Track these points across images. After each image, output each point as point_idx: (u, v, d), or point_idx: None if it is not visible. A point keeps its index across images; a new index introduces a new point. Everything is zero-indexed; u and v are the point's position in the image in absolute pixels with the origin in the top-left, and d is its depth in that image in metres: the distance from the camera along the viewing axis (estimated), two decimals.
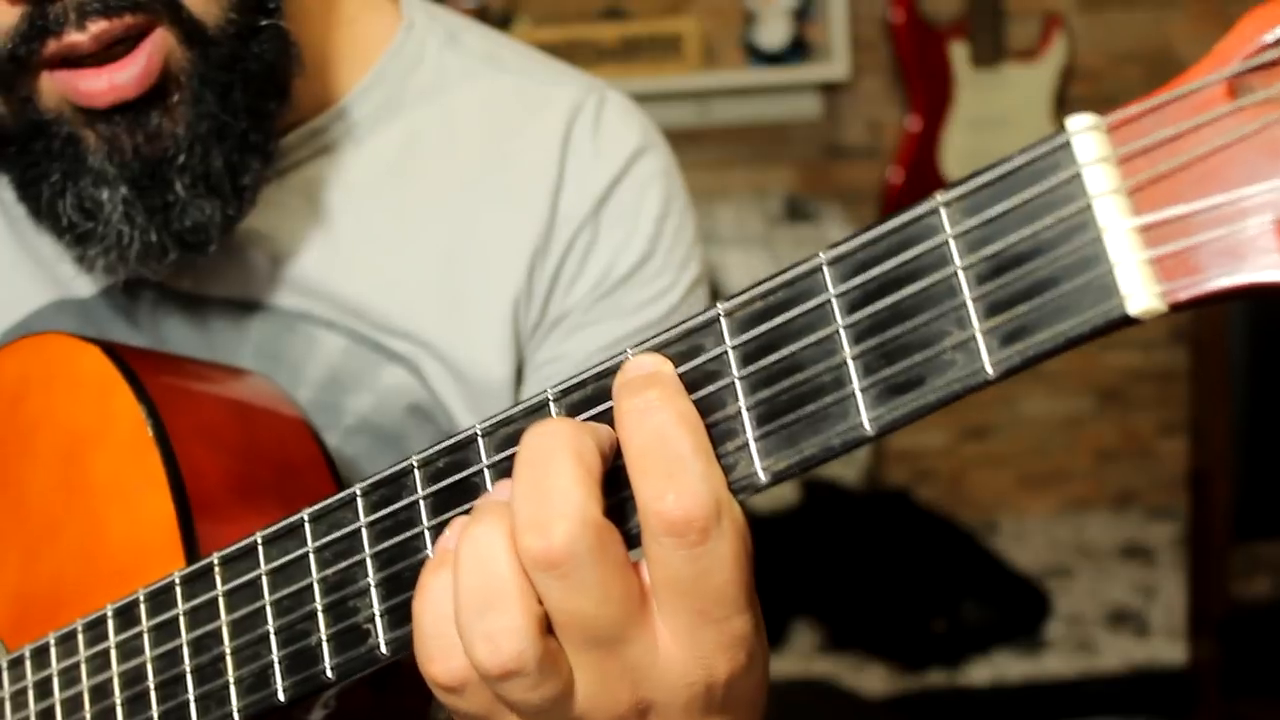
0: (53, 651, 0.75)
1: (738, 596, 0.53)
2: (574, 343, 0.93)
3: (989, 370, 0.46)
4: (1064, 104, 3.34)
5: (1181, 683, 2.56)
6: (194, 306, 0.90)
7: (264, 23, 0.80)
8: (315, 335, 0.90)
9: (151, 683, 0.69)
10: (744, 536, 0.52)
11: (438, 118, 0.93)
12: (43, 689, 0.75)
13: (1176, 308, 0.42)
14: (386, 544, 0.60)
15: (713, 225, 3.21)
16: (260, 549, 0.65)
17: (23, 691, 0.76)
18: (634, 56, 3.24)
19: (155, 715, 0.69)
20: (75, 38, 0.73)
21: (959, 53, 3.27)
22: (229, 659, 0.66)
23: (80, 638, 0.73)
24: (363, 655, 0.61)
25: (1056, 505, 3.59)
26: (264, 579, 0.65)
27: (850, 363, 0.49)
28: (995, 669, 2.95)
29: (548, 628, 0.53)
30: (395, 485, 0.61)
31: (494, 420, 0.58)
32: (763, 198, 3.35)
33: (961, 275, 0.46)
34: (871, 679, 2.93)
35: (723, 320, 0.52)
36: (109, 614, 0.71)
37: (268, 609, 0.64)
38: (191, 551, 0.73)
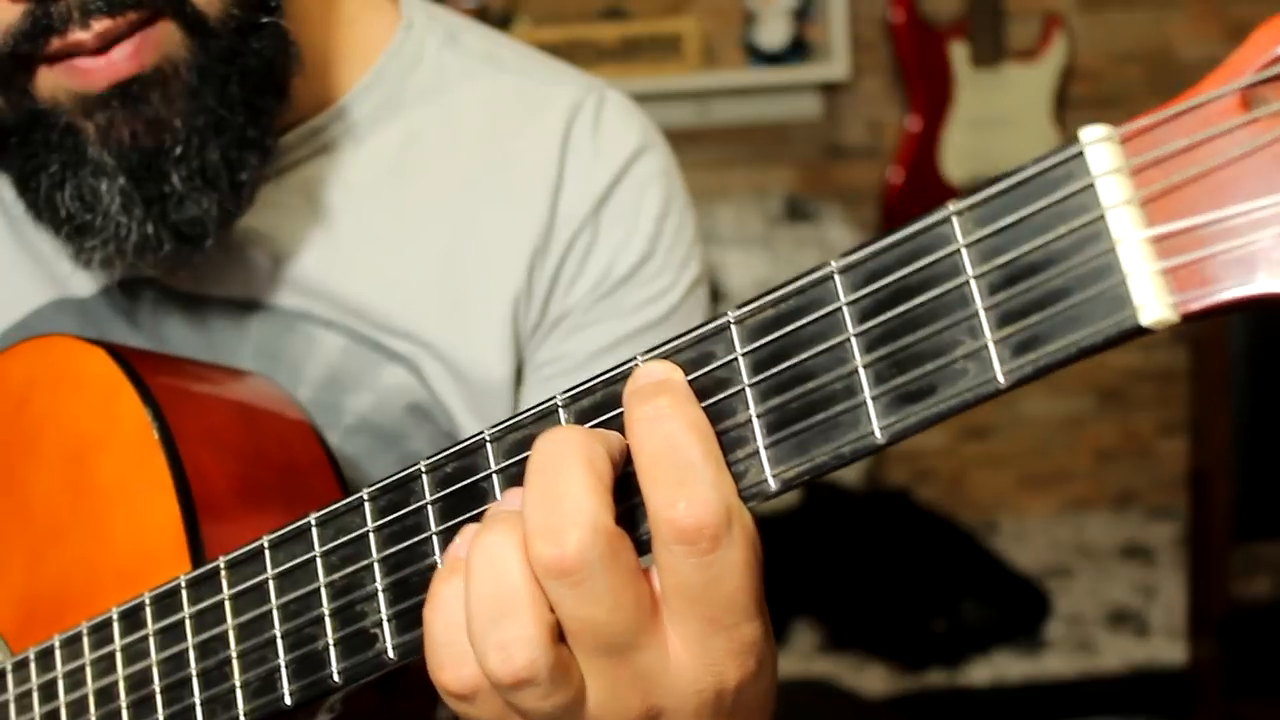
0: (58, 654, 0.75)
1: (748, 604, 0.53)
2: (574, 343, 0.93)
3: (1000, 380, 0.46)
4: (1064, 104, 3.34)
5: (1181, 683, 2.56)
6: (194, 306, 0.90)
7: (265, 20, 0.80)
8: (315, 335, 0.90)
9: (157, 686, 0.69)
10: (754, 544, 0.53)
11: (437, 117, 0.93)
12: (48, 692, 0.75)
13: (1189, 318, 0.42)
14: (394, 549, 0.61)
15: (713, 225, 3.20)
16: (267, 553, 0.65)
17: (27, 694, 0.76)
18: (634, 56, 3.24)
19: (161, 718, 0.69)
20: (79, 36, 0.73)
21: (959, 53, 3.27)
22: (235, 663, 0.66)
23: (86, 640, 0.73)
24: (370, 660, 0.61)
25: (1056, 505, 3.59)
26: (271, 583, 0.65)
27: (861, 371, 0.49)
28: (995, 669, 2.95)
29: (559, 636, 0.53)
30: (403, 490, 0.61)
31: (503, 426, 0.58)
32: (763, 198, 3.35)
33: (974, 284, 0.46)
34: (871, 679, 2.93)
35: (733, 328, 0.52)
36: (115, 617, 0.71)
37: (274, 613, 0.64)
38: (197, 554, 0.73)
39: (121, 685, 0.71)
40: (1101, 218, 0.43)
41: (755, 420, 0.52)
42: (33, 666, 0.76)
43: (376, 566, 0.61)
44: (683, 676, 0.54)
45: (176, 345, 0.89)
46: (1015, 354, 0.46)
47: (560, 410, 0.56)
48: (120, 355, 0.79)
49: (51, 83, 0.75)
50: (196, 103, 0.77)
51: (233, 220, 0.82)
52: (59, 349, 0.82)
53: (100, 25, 0.73)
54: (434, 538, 0.59)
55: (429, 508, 0.60)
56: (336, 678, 0.62)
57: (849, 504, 3.20)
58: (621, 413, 0.54)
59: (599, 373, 0.56)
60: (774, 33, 3.27)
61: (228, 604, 0.66)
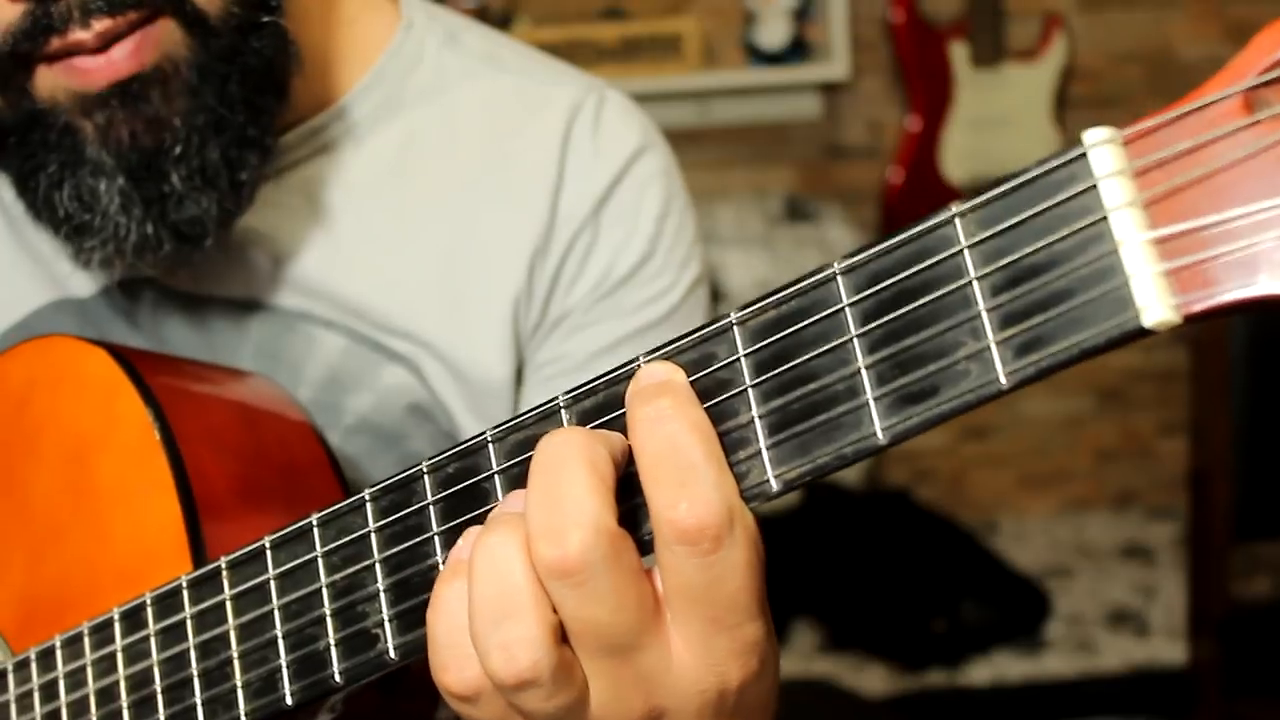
0: (59, 654, 0.75)
1: (750, 604, 0.53)
2: (574, 343, 0.93)
3: (1003, 381, 0.46)
4: (1064, 104, 3.34)
5: (1181, 683, 2.56)
6: (194, 306, 0.90)
7: (265, 19, 0.80)
8: (315, 335, 0.90)
9: (158, 686, 0.69)
10: (756, 544, 0.53)
11: (437, 117, 0.93)
12: (49, 692, 0.75)
13: (1191, 320, 0.42)
14: (396, 549, 0.61)
15: (713, 225, 3.20)
16: (268, 553, 0.65)
17: (28, 694, 0.76)
18: (634, 56, 3.24)
19: (162, 718, 0.69)
20: (79, 36, 0.73)
21: (959, 53, 3.27)
22: (236, 663, 0.66)
23: (87, 640, 0.73)
24: (371, 660, 0.61)
25: (1056, 505, 3.59)
26: (272, 583, 0.65)
27: (864, 372, 0.49)
28: (995, 669, 2.95)
29: (562, 637, 0.53)
30: (405, 490, 0.61)
31: (504, 426, 0.58)
32: (763, 198, 3.35)
33: (976, 286, 0.46)
34: (871, 679, 2.93)
35: (735, 329, 0.53)
36: (116, 617, 0.71)
37: (276, 613, 0.64)
38: (198, 554, 0.73)
39: (123, 685, 0.71)
40: (1104, 219, 0.44)
41: (757, 421, 0.52)
42: (34, 666, 0.76)
43: (378, 567, 0.61)
44: (685, 677, 0.54)
45: (176, 345, 0.89)
46: (1017, 355, 0.46)
47: (562, 411, 0.57)
48: (121, 355, 0.79)
49: (50, 82, 0.75)
50: (196, 101, 0.77)
51: (232, 220, 0.82)
52: (59, 349, 0.82)
53: (100, 25, 0.73)
54: (436, 538, 0.59)
55: (431, 508, 0.60)
56: (338, 678, 0.62)
57: (849, 504, 3.20)
58: (624, 413, 0.54)
59: (601, 373, 0.56)
60: (774, 33, 3.27)
61: (229, 604, 0.66)
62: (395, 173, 0.92)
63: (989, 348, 0.46)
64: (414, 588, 0.60)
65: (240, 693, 0.66)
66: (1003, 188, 0.46)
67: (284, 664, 0.64)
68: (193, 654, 0.68)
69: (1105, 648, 2.98)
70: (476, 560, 0.53)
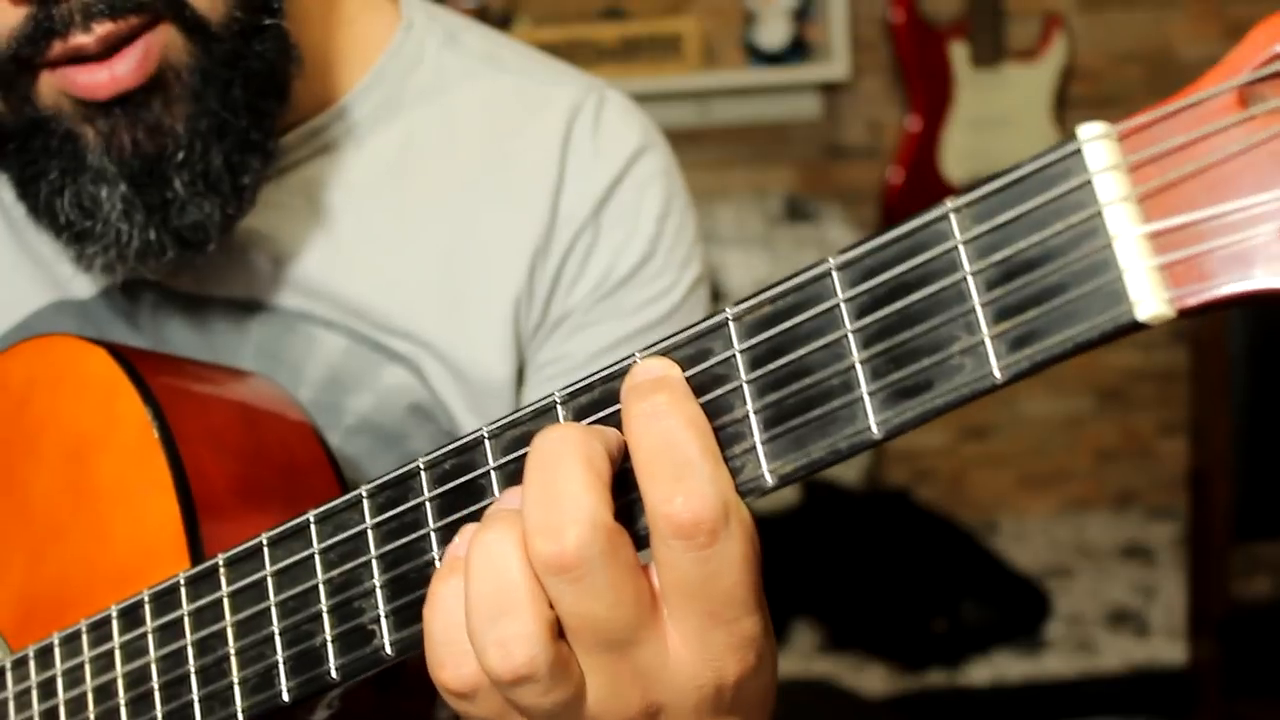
0: (57, 652, 0.75)
1: (747, 598, 0.53)
2: (575, 343, 0.93)
3: (997, 375, 0.46)
4: (1064, 104, 3.34)
5: (1181, 683, 2.56)
6: (194, 307, 0.90)
7: (267, 22, 0.80)
8: (316, 335, 0.90)
9: (156, 683, 0.69)
10: (752, 538, 0.53)
11: (437, 118, 0.94)
12: (46, 689, 0.75)
13: (1185, 314, 0.42)
14: (392, 545, 0.61)
15: (713, 225, 3.21)
16: (266, 550, 0.65)
17: (26, 692, 0.76)
18: (634, 56, 3.24)
19: (159, 716, 0.69)
20: (81, 40, 0.73)
21: (959, 53, 3.27)
22: (233, 660, 0.66)
23: (85, 638, 0.73)
24: (368, 656, 0.61)
25: (1056, 505, 3.59)
26: (269, 580, 0.65)
27: (858, 367, 0.49)
28: (995, 669, 2.95)
29: (559, 632, 0.53)
30: (402, 487, 0.61)
31: (501, 423, 0.58)
32: (763, 198, 3.35)
33: (971, 281, 0.46)
34: (871, 679, 2.93)
35: (731, 324, 0.53)
36: (114, 615, 0.72)
37: (273, 610, 0.64)
38: (196, 553, 0.73)
39: (120, 682, 0.71)
40: (1098, 214, 0.44)
41: (752, 416, 0.52)
42: (32, 664, 0.76)
43: (374, 563, 0.61)
44: (682, 672, 0.54)
45: (177, 346, 0.90)
46: (1011, 349, 0.46)
47: (558, 407, 0.57)
48: (121, 355, 0.79)
49: (53, 89, 0.75)
50: (199, 107, 0.77)
51: (234, 223, 0.82)
52: (60, 349, 0.82)
53: (102, 29, 0.72)
54: (432, 534, 0.59)
55: (427, 504, 0.60)
56: (334, 674, 0.62)
57: (849, 504, 3.20)
58: (619, 409, 0.54)
59: (597, 370, 0.56)
60: (774, 33, 3.27)
61: (226, 601, 0.66)
62: (395, 173, 0.92)
63: (983, 342, 0.46)
64: (410, 584, 0.60)
65: (237, 689, 0.66)
66: (997, 183, 0.46)
67: (281, 660, 0.64)
68: (190, 651, 0.68)
69: (1105, 648, 2.98)
70: (473, 557, 0.53)
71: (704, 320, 0.53)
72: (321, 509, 0.63)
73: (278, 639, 0.64)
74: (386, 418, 0.91)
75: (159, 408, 0.76)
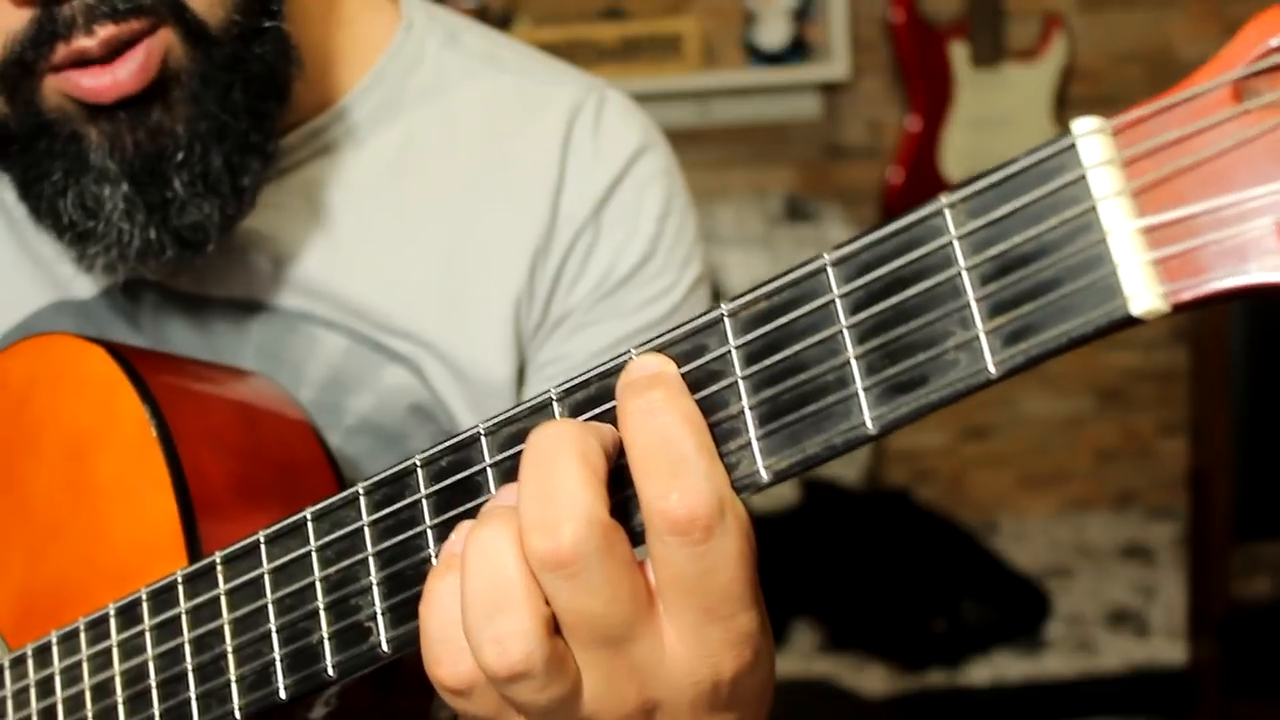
0: (55, 650, 0.75)
1: (743, 594, 0.53)
2: (576, 342, 0.93)
3: (991, 370, 0.46)
4: (1064, 104, 3.34)
5: (1181, 683, 2.56)
6: (195, 307, 0.90)
7: (266, 25, 0.80)
8: (316, 335, 0.90)
9: (153, 681, 0.69)
10: (748, 534, 0.53)
11: (438, 118, 0.94)
12: (45, 687, 0.75)
13: (1180, 308, 0.42)
14: (389, 543, 0.61)
15: (713, 225, 3.21)
16: (263, 547, 0.65)
17: (25, 690, 0.76)
18: (634, 56, 3.24)
19: (157, 713, 0.69)
20: (83, 43, 0.73)
21: (959, 53, 3.28)
22: (230, 657, 0.66)
23: (82, 636, 0.73)
24: (364, 653, 0.61)
25: (1056, 505, 3.59)
26: (266, 577, 0.65)
27: (853, 362, 0.49)
28: (995, 669, 2.95)
29: (555, 629, 0.53)
30: (398, 484, 0.61)
31: (497, 419, 0.58)
32: (763, 198, 3.35)
33: (965, 276, 0.46)
34: (871, 679, 2.93)
35: (726, 320, 0.53)
36: (111, 612, 0.72)
37: (269, 607, 0.64)
38: (194, 551, 0.73)
39: (118, 680, 0.71)
40: (1093, 209, 0.44)
41: (748, 412, 0.52)
42: (30, 663, 0.76)
43: (371, 560, 0.61)
44: (678, 668, 0.54)
45: (178, 346, 0.90)
46: (1006, 344, 0.46)
47: (554, 404, 0.57)
48: (120, 354, 0.79)
49: (57, 92, 0.76)
50: (199, 109, 0.78)
51: (234, 224, 0.82)
52: (59, 347, 0.82)
53: (105, 31, 0.73)
54: (428, 531, 0.59)
55: (423, 501, 0.60)
56: (331, 671, 0.62)
57: (849, 504, 3.20)
58: (615, 405, 0.54)
59: (593, 366, 0.56)
60: (774, 33, 3.27)
61: (223, 599, 0.66)
62: (396, 173, 0.92)
63: (978, 337, 0.46)
64: (407, 581, 0.60)
65: (234, 687, 0.66)
66: (992, 178, 0.46)
67: (278, 658, 0.64)
68: (187, 648, 0.68)
69: (1105, 648, 2.98)
70: (469, 554, 0.53)
71: (699, 316, 0.53)
72: (318, 506, 0.63)
73: (275, 636, 0.64)
74: (387, 418, 0.91)
75: (157, 406, 0.76)
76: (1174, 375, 3.45)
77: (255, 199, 0.82)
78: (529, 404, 0.57)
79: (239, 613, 0.66)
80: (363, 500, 0.62)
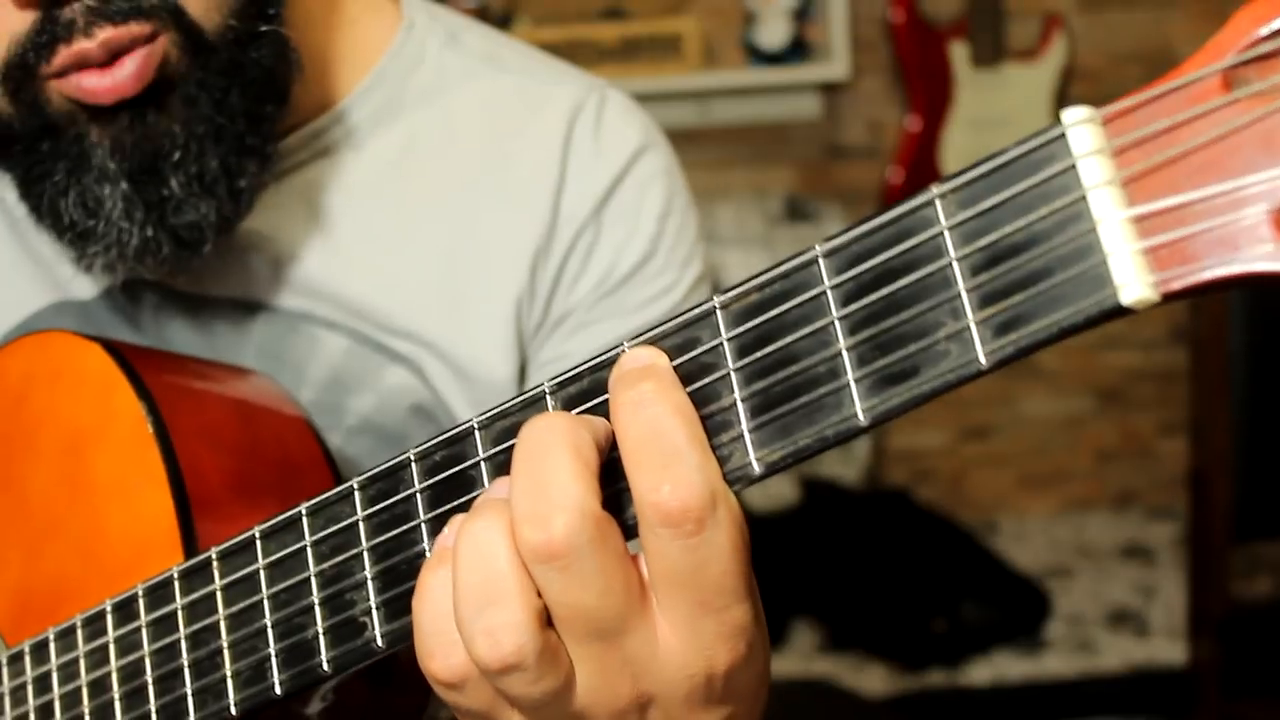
0: (52, 647, 0.75)
1: (736, 586, 0.53)
2: (576, 342, 0.93)
3: (982, 360, 0.46)
4: (1064, 104, 3.33)
5: (1181, 683, 2.56)
6: (195, 308, 0.90)
7: (264, 29, 0.80)
8: (317, 336, 0.90)
9: (149, 677, 0.69)
10: (740, 526, 0.52)
11: (438, 118, 0.94)
12: (42, 684, 0.75)
13: (1170, 297, 0.42)
14: (383, 537, 0.61)
15: (713, 225, 3.21)
16: (258, 543, 0.65)
17: (22, 687, 0.76)
18: (634, 56, 3.24)
19: (153, 709, 0.69)
20: (84, 45, 0.74)
21: (959, 53, 3.28)
22: (226, 653, 0.66)
23: (79, 633, 0.73)
24: (359, 648, 0.61)
25: (1056, 505, 3.59)
26: (261, 573, 0.65)
27: (845, 354, 0.49)
28: (995, 669, 2.95)
29: (547, 621, 0.53)
30: (393, 479, 0.61)
31: (490, 413, 0.58)
32: (763, 198, 3.35)
33: (956, 266, 0.46)
34: (871, 679, 2.93)
35: (718, 313, 0.53)
36: (108, 609, 0.72)
37: (265, 603, 0.65)
38: (191, 548, 0.73)
39: (114, 676, 0.71)
40: (1083, 198, 0.44)
41: (740, 404, 0.52)
42: (27, 659, 0.76)
43: (365, 555, 0.61)
44: (672, 662, 0.54)
45: (178, 347, 0.90)
46: (997, 334, 0.46)
47: (547, 397, 0.57)
48: (117, 351, 0.79)
49: (60, 94, 0.76)
50: (196, 112, 0.78)
51: (232, 226, 0.82)
52: (56, 345, 0.82)
53: (104, 34, 0.73)
54: (422, 525, 0.59)
55: (418, 496, 0.60)
56: (326, 666, 0.62)
57: (849, 504, 3.20)
58: (608, 398, 0.54)
59: (586, 359, 0.56)
60: (774, 33, 3.27)
61: (219, 594, 0.66)
62: (396, 173, 0.92)
63: (968, 327, 0.46)
64: (401, 575, 0.60)
65: (230, 682, 0.66)
66: (983, 168, 0.46)
67: (273, 653, 0.64)
68: (184, 644, 0.68)
69: (1105, 648, 2.98)
70: (461, 546, 0.53)
71: (691, 309, 0.53)
72: (313, 501, 0.63)
73: (270, 632, 0.64)
74: (388, 418, 0.91)
75: (154, 403, 0.76)
76: (1174, 375, 3.45)
77: (253, 200, 0.83)
78: (522, 397, 0.57)
79: (234, 608, 0.66)
80: (357, 495, 0.62)
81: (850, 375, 0.49)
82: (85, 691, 0.73)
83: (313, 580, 0.63)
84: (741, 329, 0.52)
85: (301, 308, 0.90)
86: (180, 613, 0.68)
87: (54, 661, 0.75)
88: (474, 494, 0.58)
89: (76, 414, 0.79)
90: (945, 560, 3.18)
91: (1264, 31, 0.40)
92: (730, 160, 3.40)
